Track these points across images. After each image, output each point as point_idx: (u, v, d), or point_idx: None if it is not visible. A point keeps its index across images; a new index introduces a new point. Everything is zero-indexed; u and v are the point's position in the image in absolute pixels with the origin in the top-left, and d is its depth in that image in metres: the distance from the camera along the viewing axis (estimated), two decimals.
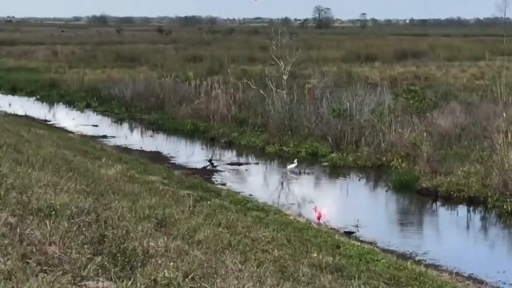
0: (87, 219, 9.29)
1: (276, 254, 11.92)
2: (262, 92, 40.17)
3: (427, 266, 17.33)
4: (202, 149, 35.32)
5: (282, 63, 40.43)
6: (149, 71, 63.44)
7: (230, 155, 33.50)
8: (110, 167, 19.05)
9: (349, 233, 21.04)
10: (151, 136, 38.80)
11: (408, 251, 19.48)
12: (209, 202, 17.40)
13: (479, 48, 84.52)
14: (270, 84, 39.79)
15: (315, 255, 12.41)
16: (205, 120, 39.71)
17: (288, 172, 29.46)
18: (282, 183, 28.33)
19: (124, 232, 9.11)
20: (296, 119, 36.39)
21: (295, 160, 29.46)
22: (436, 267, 17.92)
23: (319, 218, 21.08)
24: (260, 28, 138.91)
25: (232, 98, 40.44)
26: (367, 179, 28.88)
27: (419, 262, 17.69)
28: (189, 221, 12.85)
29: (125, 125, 42.19)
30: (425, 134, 29.21)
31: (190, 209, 15.43)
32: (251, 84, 41.06)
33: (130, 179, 17.89)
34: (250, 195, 24.83)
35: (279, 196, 25.68)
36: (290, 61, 40.36)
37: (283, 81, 39.99)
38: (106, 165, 19.41)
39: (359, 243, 17.14)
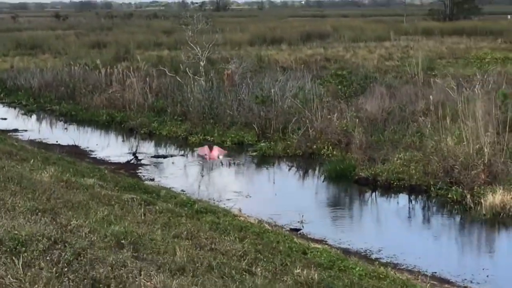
0: (64, 255, 7.69)
1: (259, 274, 10.51)
2: (179, 79, 38.52)
3: (388, 265, 16.27)
4: (122, 141, 33.50)
5: (198, 48, 38.80)
6: (52, 59, 60.94)
7: (152, 147, 31.75)
8: (41, 170, 17.23)
9: (295, 230, 19.81)
10: (65, 128, 36.69)
11: (362, 248, 18.32)
12: (156, 207, 15.82)
13: (382, 28, 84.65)
14: (188, 71, 38.19)
15: (297, 271, 11.02)
16: (121, 110, 37.81)
17: (219, 162, 28.10)
18: (213, 176, 26.85)
19: (109, 269, 7.55)
20: (217, 107, 34.89)
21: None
22: (395, 266, 16.85)
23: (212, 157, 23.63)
24: (159, 12, 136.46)
25: (148, 86, 38.57)
26: (299, 169, 27.66)
27: (378, 262, 16.59)
28: (154, 237, 11.29)
29: (35, 118, 39.85)
30: (357, 120, 28.18)
31: (143, 218, 13.87)
32: (166, 71, 39.32)
33: (67, 184, 16.13)
34: (182, 191, 23.32)
35: (213, 191, 24.13)
36: (207, 46, 38.78)
37: (200, 67, 38.41)
38: (36, 168, 17.57)
39: (320, 246, 15.80)
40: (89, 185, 16.75)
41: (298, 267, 11.31)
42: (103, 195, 15.69)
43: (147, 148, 31.13)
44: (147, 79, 38.84)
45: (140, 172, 26.84)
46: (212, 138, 31.84)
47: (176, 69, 41.57)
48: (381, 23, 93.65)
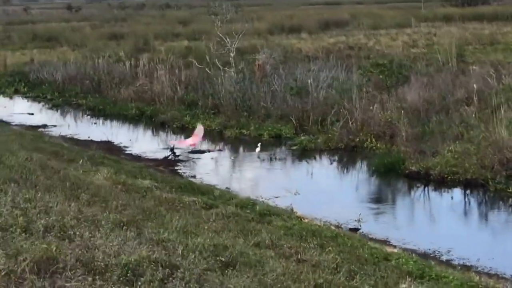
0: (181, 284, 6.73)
1: None
2: (208, 71, 37.49)
3: (461, 268, 15.27)
4: (155, 136, 32.47)
5: (228, 39, 37.75)
6: (71, 52, 59.84)
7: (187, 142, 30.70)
8: (94, 172, 16.28)
9: (355, 230, 18.81)
10: (94, 123, 35.70)
11: (430, 249, 17.27)
12: (222, 211, 14.86)
13: (401, 15, 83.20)
14: (217, 62, 37.19)
15: (404, 286, 10.02)
16: (150, 104, 36.79)
17: (257, 157, 27.10)
18: (256, 172, 25.84)
19: None
20: (249, 99, 33.85)
21: (259, 144, 27.25)
22: (469, 268, 15.77)
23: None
24: (171, 2, 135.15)
25: (177, 78, 37.53)
26: (344, 163, 26.69)
27: (449, 264, 15.61)
28: (244, 250, 10.31)
29: (63, 112, 38.84)
30: (402, 111, 27.15)
31: (214, 224, 12.91)
32: (195, 63, 38.29)
33: (125, 187, 15.18)
34: (227, 188, 22.35)
35: (259, 188, 23.08)
36: (237, 36, 37.73)
37: (230, 58, 37.35)
38: (88, 169, 16.61)
39: (400, 251, 14.78)
40: (146, 188, 15.79)
41: (401, 281, 10.30)
42: (165, 198, 14.75)
43: (182, 143, 30.01)
44: (176, 71, 37.69)
45: (180, 169, 25.88)
46: (248, 132, 30.86)
47: (203, 60, 40.51)
48: (399, 10, 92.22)
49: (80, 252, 7.27)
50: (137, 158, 27.44)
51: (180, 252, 8.54)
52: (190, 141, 28.33)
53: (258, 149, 27.12)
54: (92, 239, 7.87)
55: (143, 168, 21.56)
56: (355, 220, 19.40)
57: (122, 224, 9.52)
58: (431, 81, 34.14)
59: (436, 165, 23.25)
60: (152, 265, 7.28)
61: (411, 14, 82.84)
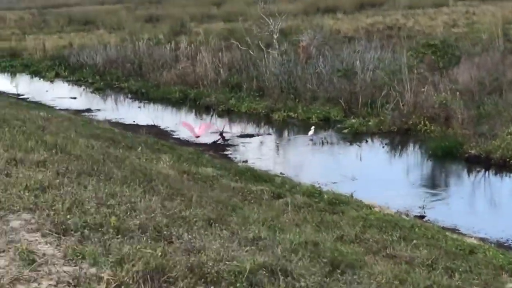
0: None
1: None
2: (251, 52, 36.73)
3: None
4: (200, 119, 31.79)
5: (271, 20, 36.94)
6: (108, 35, 59.36)
7: (234, 126, 30.02)
8: (156, 160, 15.63)
9: (420, 217, 17.99)
10: (138, 107, 35.09)
11: (502, 238, 16.44)
12: (293, 201, 14.15)
13: None
14: (260, 44, 36.44)
15: (510, 285, 9.26)
16: (193, 87, 36.13)
17: (310, 141, 26.38)
18: (308, 156, 25.09)
19: None
20: (295, 81, 33.08)
21: (312, 128, 26.51)
22: None
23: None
24: None
25: (219, 61, 36.80)
26: (398, 147, 25.86)
27: None
28: (338, 247, 9.60)
29: (105, 96, 38.27)
30: (457, 93, 26.27)
31: (289, 216, 12.20)
32: (238, 45, 37.53)
33: (190, 175, 14.51)
34: (281, 173, 21.60)
35: (315, 173, 22.30)
36: (280, 17, 36.91)
37: (273, 40, 36.54)
38: (149, 157, 15.95)
39: (481, 243, 13.98)
40: (212, 176, 15.11)
41: (499, 278, 9.55)
42: (234, 188, 14.05)
43: (229, 127, 29.29)
44: (219, 53, 36.96)
45: (231, 154, 25.19)
46: (295, 115, 30.16)
47: (243, 42, 39.72)
48: None
49: (185, 257, 6.57)
50: (186, 142, 26.77)
51: (280, 252, 7.83)
52: (198, 130, 27.61)
53: (311, 132, 26.39)
54: (192, 240, 7.15)
55: (199, 154, 20.84)
56: (419, 207, 18.55)
57: (210, 221, 8.82)
58: (480, 61, 33.15)
59: (497, 148, 22.39)
60: (264, 272, 6.58)
61: None
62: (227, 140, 27.16)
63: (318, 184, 20.47)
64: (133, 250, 6.52)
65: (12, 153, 10.81)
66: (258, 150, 25.73)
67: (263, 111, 31.01)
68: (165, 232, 7.46)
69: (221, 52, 37.25)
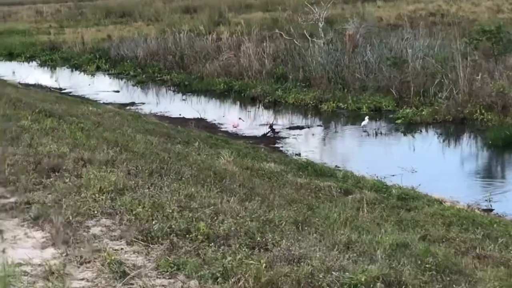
0: None
1: None
2: (296, 42, 36.08)
3: None
4: (247, 111, 31.22)
5: (316, 8, 36.28)
6: (146, 27, 58.96)
7: (282, 117, 29.43)
8: (216, 156, 15.09)
9: (488, 211, 17.28)
10: (183, 99, 34.58)
11: None
12: (359, 196, 13.55)
13: None
14: (305, 33, 35.81)
15: None
16: (237, 78, 35.56)
17: (362, 131, 25.75)
18: (363, 148, 24.45)
19: None
20: (343, 71, 32.41)
21: (366, 117, 25.85)
22: None
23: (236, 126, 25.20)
24: None
25: (265, 51, 36.19)
26: (455, 137, 25.13)
27: None
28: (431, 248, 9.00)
29: (148, 89, 37.80)
30: None
31: (367, 214, 11.60)
32: (283, 35, 36.90)
33: (253, 171, 13.96)
34: (337, 166, 20.95)
35: (372, 166, 21.55)
36: (326, 6, 36.25)
37: (319, 29, 35.87)
38: (209, 153, 15.43)
39: None
40: (276, 172, 14.53)
41: None
42: (301, 184, 13.48)
43: (278, 119, 28.69)
44: (263, 43, 36.35)
45: (282, 146, 24.58)
46: (345, 105, 29.47)
47: (285, 32, 39.06)
48: None
49: (288, 267, 6.01)
50: (234, 135, 26.23)
51: (381, 258, 7.24)
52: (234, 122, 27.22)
53: (365, 122, 25.75)
54: (291, 248, 6.60)
55: (256, 148, 20.30)
56: (485, 200, 17.82)
57: (297, 223, 8.26)
58: None
59: None
60: (379, 284, 6.01)
61: None
62: (277, 132, 26.59)
63: (377, 177, 19.88)
64: (235, 261, 5.97)
65: (78, 152, 10.32)
66: (310, 143, 25.12)
67: (311, 102, 30.36)
68: (258, 239, 6.89)
69: (265, 42, 36.51)
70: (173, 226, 7.21)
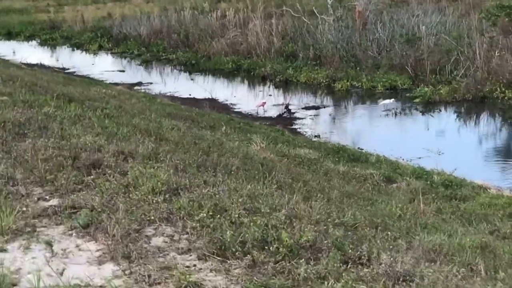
0: None
1: None
2: (305, 19, 34.96)
3: None
4: (260, 91, 30.17)
5: None
6: (145, 4, 57.64)
7: (297, 97, 28.38)
8: (247, 141, 14.09)
9: None
10: (192, 79, 33.48)
11: None
12: (405, 185, 12.56)
13: None
14: (314, 10, 34.71)
15: None
16: (246, 57, 34.46)
17: (381, 111, 24.74)
18: (383, 128, 23.42)
19: None
20: (354, 48, 31.34)
21: (392, 99, 24.86)
22: None
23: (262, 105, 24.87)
24: None
25: (273, 29, 35.05)
26: (478, 117, 24.18)
27: None
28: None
29: (154, 68, 36.66)
30: None
31: (422, 207, 10.61)
32: (291, 11, 35.76)
33: (290, 159, 12.95)
34: (360, 148, 19.94)
35: (395, 148, 20.47)
36: None
37: (328, 5, 34.74)
38: (238, 139, 14.41)
39: None
40: (312, 159, 13.53)
41: None
42: (343, 173, 12.49)
43: (292, 98, 27.64)
44: (272, 20, 35.19)
45: (300, 128, 23.59)
46: (359, 84, 28.43)
47: (293, 8, 37.91)
48: None
49: None
50: (249, 116, 25.24)
51: (484, 272, 6.26)
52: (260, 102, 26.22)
53: (388, 101, 24.76)
54: (393, 263, 5.59)
55: (282, 132, 19.28)
56: None
57: (377, 226, 7.27)
58: None
59: None
60: None
61: None
62: (293, 113, 25.57)
63: (403, 159, 18.93)
64: (338, 285, 4.97)
65: (116, 145, 9.28)
66: (328, 124, 24.15)
67: (324, 81, 29.34)
68: (350, 251, 5.88)
69: (272, 20, 35.34)
70: (246, 235, 6.18)
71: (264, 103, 25.81)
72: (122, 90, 23.16)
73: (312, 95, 28.42)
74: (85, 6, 58.34)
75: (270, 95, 27.21)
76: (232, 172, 9.00)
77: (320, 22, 33.53)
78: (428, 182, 13.64)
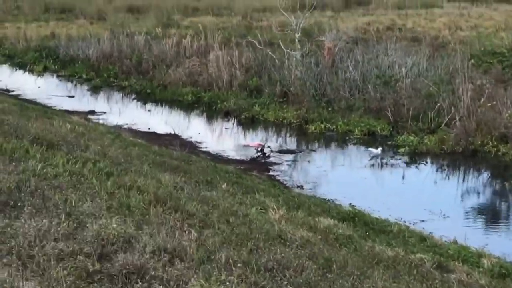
0: None
1: None
2: (270, 53, 32.61)
3: None
4: (226, 128, 27.56)
5: (293, 17, 32.91)
6: (89, 25, 54.64)
7: (266, 138, 25.83)
8: (262, 207, 11.52)
9: None
10: (148, 110, 30.67)
11: None
12: (460, 277, 10.11)
13: None
14: (281, 44, 32.42)
15: None
16: (206, 89, 31.85)
17: (366, 160, 22.44)
18: (372, 182, 21.05)
19: None
20: (325, 87, 29.05)
21: (379, 148, 22.55)
22: None
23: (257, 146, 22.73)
24: None
25: (236, 61, 32.53)
26: (474, 174, 22.00)
27: None
28: None
29: (105, 95, 33.66)
30: None
31: None
32: (257, 44, 33.35)
33: (323, 236, 10.39)
34: (352, 205, 17.56)
35: (392, 207, 18.13)
36: (303, 14, 32.89)
37: (296, 39, 32.45)
38: (252, 202, 11.82)
39: None
40: (347, 236, 10.99)
41: None
42: (388, 258, 9.97)
43: (266, 140, 25.06)
44: (235, 52, 32.68)
45: (278, 175, 21.11)
46: (334, 127, 26.09)
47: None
48: None
49: None
50: (219, 158, 22.66)
51: None
52: (256, 143, 23.72)
53: (377, 151, 22.49)
54: None
55: (278, 186, 16.72)
56: None
57: None
58: None
59: None
60: None
61: None
62: (268, 156, 23.03)
63: (404, 221, 16.65)
64: None
65: (145, 232, 6.61)
66: (309, 172, 21.65)
67: (294, 121, 26.92)
68: None
69: (235, 52, 32.84)
70: None
71: (261, 145, 23.22)
72: (81, 122, 20.27)
73: (283, 137, 26.00)
74: (26, 23, 54.87)
75: (263, 144, 24.40)
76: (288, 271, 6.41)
77: (286, 57, 31.17)
78: (481, 269, 11.21)
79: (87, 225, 6.61)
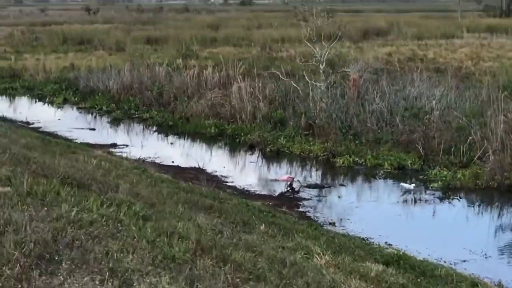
0: None
1: None
2: (294, 85, 31.94)
3: None
4: (251, 162, 26.78)
5: (318, 49, 32.24)
6: (108, 56, 54.23)
7: (294, 171, 25.06)
8: (305, 250, 10.71)
9: None
10: (171, 143, 29.94)
11: None
12: None
13: (442, 24, 77.55)
14: (305, 75, 31.75)
15: None
16: (229, 121, 31.14)
17: (401, 194, 21.60)
18: (407, 218, 20.20)
19: None
20: (352, 119, 28.30)
21: (412, 185, 21.70)
22: None
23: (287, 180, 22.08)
24: (189, 6, 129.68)
25: (260, 92, 31.84)
26: (510, 208, 21.09)
27: None
28: None
29: (126, 127, 32.97)
30: None
31: None
32: (280, 75, 32.69)
33: (368, 283, 9.58)
34: (388, 244, 16.77)
35: (432, 246, 17.30)
36: (328, 45, 32.20)
37: (320, 71, 31.78)
38: (291, 245, 11.01)
39: None
40: (401, 284, 10.16)
41: None
42: None
43: (295, 174, 24.27)
44: (258, 84, 32.00)
45: (308, 211, 20.30)
46: (362, 161, 25.27)
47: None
48: (436, 19, 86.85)
49: None
50: (246, 193, 21.90)
51: None
52: (285, 177, 22.96)
53: (410, 187, 21.66)
54: None
55: (316, 226, 15.90)
56: None
57: None
58: None
59: None
60: None
61: (452, 23, 77.76)
62: (297, 191, 22.24)
63: (445, 262, 15.81)
64: None
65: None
66: (340, 208, 20.80)
67: (321, 154, 26.13)
68: None
69: (259, 83, 32.15)
70: None
71: (291, 178, 22.47)
72: (105, 157, 19.57)
73: (310, 171, 25.19)
74: (44, 55, 54.48)
75: (292, 177, 23.51)
76: None
77: (311, 88, 30.49)
78: None
79: (134, 284, 5.82)
